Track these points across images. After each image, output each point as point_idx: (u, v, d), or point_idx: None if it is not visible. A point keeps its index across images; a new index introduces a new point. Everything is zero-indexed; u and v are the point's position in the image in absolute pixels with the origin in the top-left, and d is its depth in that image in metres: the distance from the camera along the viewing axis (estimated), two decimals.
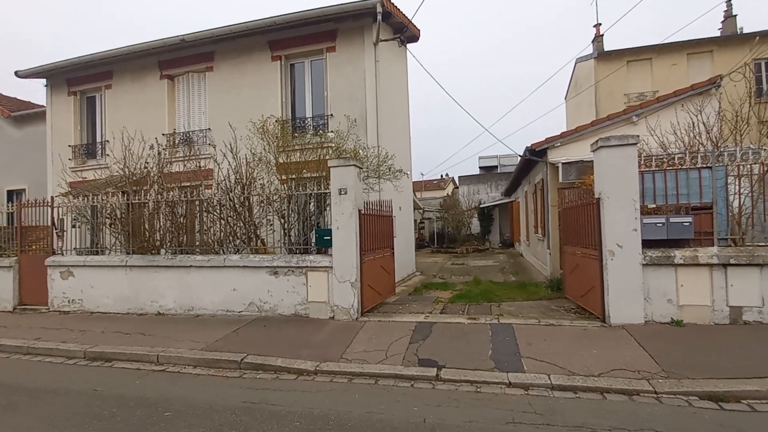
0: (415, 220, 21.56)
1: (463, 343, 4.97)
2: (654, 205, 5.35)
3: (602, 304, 5.39)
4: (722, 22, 18.16)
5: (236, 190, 7.26)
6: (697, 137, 5.76)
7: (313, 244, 6.88)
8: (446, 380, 4.13)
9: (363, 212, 6.51)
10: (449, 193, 34.25)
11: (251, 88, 9.79)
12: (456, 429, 3.17)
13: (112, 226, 8.14)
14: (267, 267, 6.74)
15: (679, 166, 5.30)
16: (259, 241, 7.37)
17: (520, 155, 10.98)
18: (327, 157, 7.15)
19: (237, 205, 7.25)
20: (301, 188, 6.96)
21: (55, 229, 8.43)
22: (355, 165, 6.30)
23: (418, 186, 35.25)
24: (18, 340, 6.24)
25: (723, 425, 3.14)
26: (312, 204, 7.25)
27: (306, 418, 3.44)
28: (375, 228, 7.00)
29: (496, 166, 30.56)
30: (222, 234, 7.42)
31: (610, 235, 5.23)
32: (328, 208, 6.95)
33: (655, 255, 5.19)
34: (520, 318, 5.86)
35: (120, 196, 8.18)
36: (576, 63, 19.68)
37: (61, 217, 8.54)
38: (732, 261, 5.03)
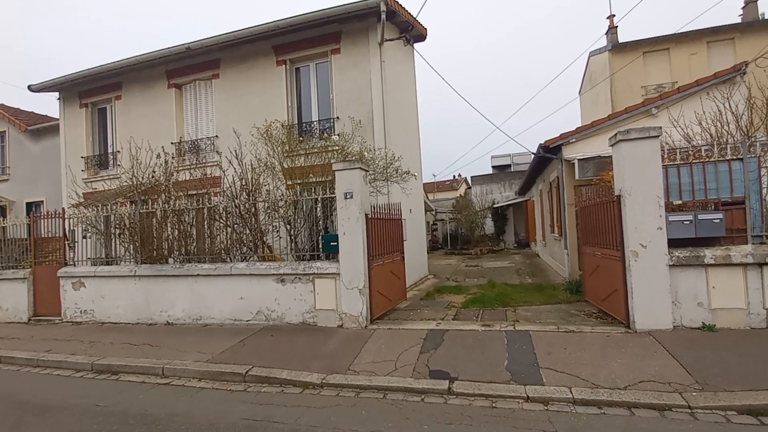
0: (427, 222, 21.26)
1: (477, 353, 4.70)
2: (680, 201, 4.99)
3: (626, 309, 5.04)
4: (743, 8, 17.41)
5: (242, 197, 7.16)
6: (725, 127, 5.37)
7: (320, 250, 6.71)
8: (459, 394, 3.88)
9: (370, 216, 6.31)
10: (462, 194, 33.83)
11: (257, 94, 9.73)
12: None
13: (121, 235, 8.14)
14: (274, 275, 6.59)
15: (707, 159, 4.93)
16: (265, 247, 7.24)
17: (533, 153, 10.62)
18: (333, 160, 6.99)
19: (243, 212, 7.14)
20: (307, 193, 6.81)
21: (67, 240, 8.49)
22: (360, 168, 6.11)
23: (431, 187, 34.92)
24: (29, 353, 6.25)
25: None
26: (318, 209, 7.10)
27: None
28: (383, 232, 6.79)
29: (510, 165, 29.98)
30: (229, 241, 7.32)
31: (632, 234, 4.89)
32: (334, 213, 6.77)
33: (683, 255, 4.82)
34: (537, 324, 5.55)
35: (129, 205, 8.19)
36: (589, 56, 19.12)
37: (72, 228, 8.60)
38: None
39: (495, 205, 24.08)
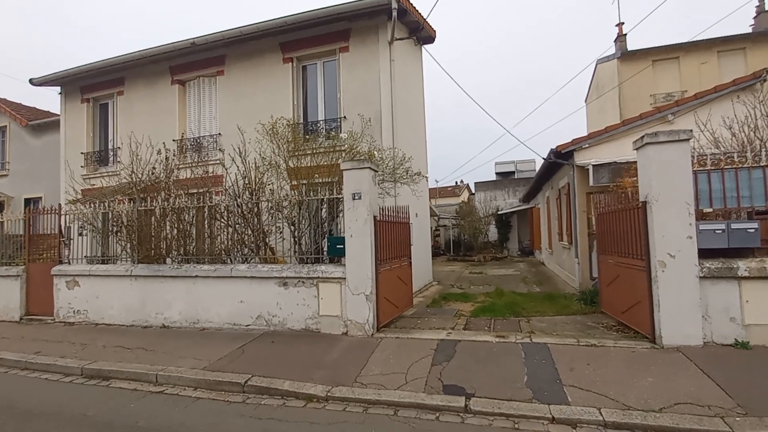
0: (430, 228, 20.93)
1: (493, 367, 4.39)
2: (710, 209, 4.71)
3: (651, 322, 4.73)
4: (754, 18, 17.27)
5: (244, 196, 6.88)
6: (756, 132, 5.09)
7: (324, 253, 6.41)
8: (477, 412, 3.56)
9: (378, 219, 6.02)
10: (464, 200, 33.55)
11: (262, 92, 9.49)
12: None
13: (118, 234, 7.85)
14: (276, 278, 6.29)
15: (740, 165, 4.65)
16: (268, 249, 6.95)
17: (544, 158, 10.36)
18: (340, 160, 6.72)
19: (245, 212, 6.85)
20: (312, 193, 6.53)
21: (62, 237, 8.20)
22: (370, 168, 5.83)
23: (433, 193, 34.59)
24: (18, 354, 5.93)
25: None
26: (324, 210, 6.81)
27: None
28: (391, 235, 6.50)
29: (513, 172, 29.72)
30: (230, 242, 7.03)
31: (660, 243, 4.60)
32: (340, 215, 6.49)
33: (715, 266, 4.53)
34: (555, 336, 5.23)
35: (127, 203, 7.91)
36: (597, 64, 18.97)
37: (68, 224, 8.32)
38: None
39: (499, 212, 23.78)
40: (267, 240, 6.92)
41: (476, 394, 3.78)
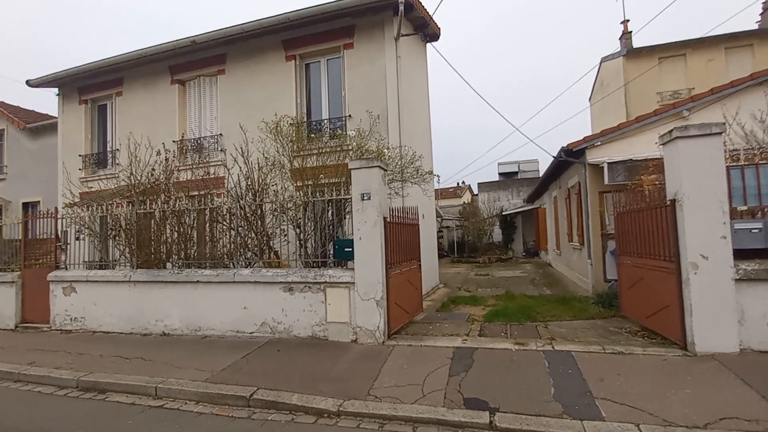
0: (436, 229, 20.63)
1: (516, 377, 4.10)
2: (745, 207, 4.43)
3: (682, 328, 4.45)
4: (761, 14, 17.04)
5: (247, 197, 6.61)
6: None
7: (331, 257, 6.14)
8: (503, 430, 3.27)
9: (388, 220, 5.74)
10: (467, 201, 33.27)
11: (264, 91, 9.23)
12: None
13: (117, 237, 7.57)
14: (281, 283, 6.01)
15: None
16: (272, 253, 6.68)
17: (553, 156, 10.08)
18: (346, 160, 6.46)
19: (248, 214, 6.58)
20: (318, 194, 6.25)
21: (59, 241, 7.93)
22: (379, 167, 5.56)
23: (435, 194, 34.34)
24: (10, 365, 5.65)
25: None
26: (330, 212, 6.54)
27: None
28: (401, 238, 6.22)
29: (517, 173, 29.43)
30: (232, 246, 6.75)
31: (691, 244, 4.31)
32: (348, 216, 6.22)
33: (751, 268, 4.24)
34: (578, 343, 4.94)
35: (125, 206, 7.64)
36: (601, 62, 18.71)
37: (64, 229, 8.05)
38: None
39: (503, 213, 23.49)
40: (271, 243, 6.64)
41: (501, 409, 3.49)
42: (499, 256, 20.71)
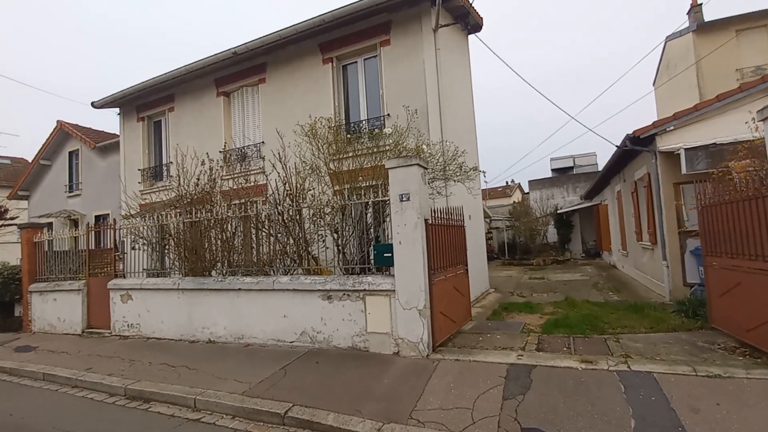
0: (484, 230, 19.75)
1: (585, 404, 3.47)
2: None
3: None
4: None
5: (285, 203, 6.48)
6: None
7: (371, 263, 5.80)
8: None
9: (430, 222, 5.30)
10: (516, 200, 31.68)
11: (303, 97, 9.18)
12: None
13: (167, 247, 7.82)
14: (319, 290, 5.78)
15: None
16: (311, 259, 6.48)
17: (616, 146, 9.03)
18: (384, 161, 6.12)
19: (286, 220, 6.45)
20: (356, 197, 5.95)
21: (117, 251, 8.37)
22: (418, 165, 5.14)
23: (483, 194, 33.09)
24: (70, 371, 5.95)
25: None
26: (369, 215, 6.22)
27: None
28: (445, 240, 5.74)
29: (572, 167, 27.40)
30: (271, 252, 6.66)
31: None
32: (387, 219, 5.85)
33: None
34: (660, 363, 4.16)
35: (174, 215, 7.87)
36: (666, 42, 16.87)
37: (122, 239, 8.49)
38: None
39: (559, 211, 21.93)
40: (309, 249, 6.45)
41: None
42: (555, 258, 19.29)
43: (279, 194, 6.61)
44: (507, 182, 44.61)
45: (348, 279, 5.64)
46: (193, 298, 7.04)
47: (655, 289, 8.97)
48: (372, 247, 5.77)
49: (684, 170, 6.80)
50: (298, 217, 6.44)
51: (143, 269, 8.31)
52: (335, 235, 6.21)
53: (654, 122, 7.96)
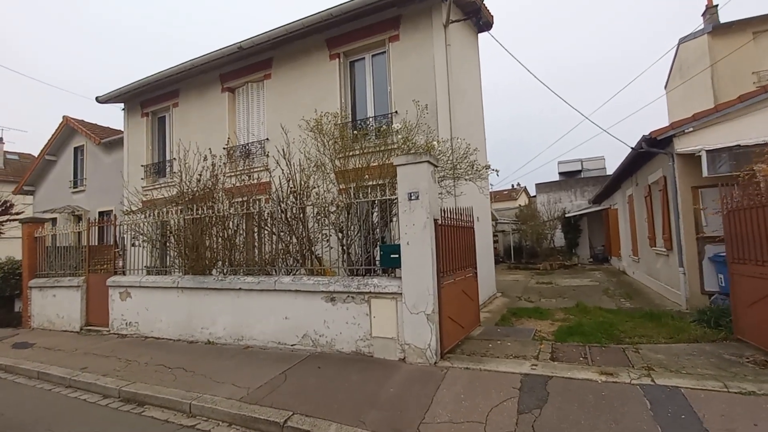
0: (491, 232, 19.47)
1: (608, 421, 3.20)
2: None
3: None
4: None
5: (289, 200, 6.26)
6: None
7: (377, 264, 5.57)
8: None
9: (439, 222, 5.05)
10: (522, 204, 31.32)
11: (309, 93, 8.98)
12: None
13: (167, 244, 7.64)
14: (323, 292, 5.55)
15: None
16: (314, 259, 6.26)
17: (632, 147, 8.73)
18: (391, 159, 5.89)
19: (289, 218, 6.23)
20: (362, 195, 5.72)
21: (117, 247, 8.20)
22: (428, 162, 4.90)
23: (489, 196, 32.73)
24: (65, 370, 5.76)
25: None
26: (375, 214, 5.99)
27: None
28: (454, 242, 5.50)
29: (580, 171, 27.02)
30: (274, 251, 6.44)
31: None
32: (394, 219, 5.62)
33: None
34: (686, 377, 3.88)
35: (175, 212, 7.69)
36: (679, 44, 16.53)
37: (122, 235, 8.32)
38: None
39: (567, 215, 21.57)
40: (313, 249, 6.23)
41: None
42: (562, 263, 18.94)
43: (282, 191, 6.40)
44: (513, 185, 44.23)
45: (353, 280, 5.41)
46: (193, 297, 6.84)
47: (670, 296, 8.65)
48: (378, 247, 5.53)
49: (705, 173, 6.51)
50: (301, 215, 6.22)
51: (143, 266, 8.13)
52: (340, 235, 5.98)
53: (672, 123, 7.67)
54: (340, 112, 8.36)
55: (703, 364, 4.22)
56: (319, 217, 6.15)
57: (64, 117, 16.63)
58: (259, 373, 4.90)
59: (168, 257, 7.77)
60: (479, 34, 10.26)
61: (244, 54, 9.58)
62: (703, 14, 15.71)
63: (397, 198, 5.15)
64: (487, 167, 6.44)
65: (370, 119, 8.35)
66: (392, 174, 5.72)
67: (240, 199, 7.03)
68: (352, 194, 5.75)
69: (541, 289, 11.63)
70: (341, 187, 6.55)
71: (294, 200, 6.22)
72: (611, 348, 5.00)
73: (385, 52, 8.36)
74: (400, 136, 5.96)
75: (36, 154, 20.79)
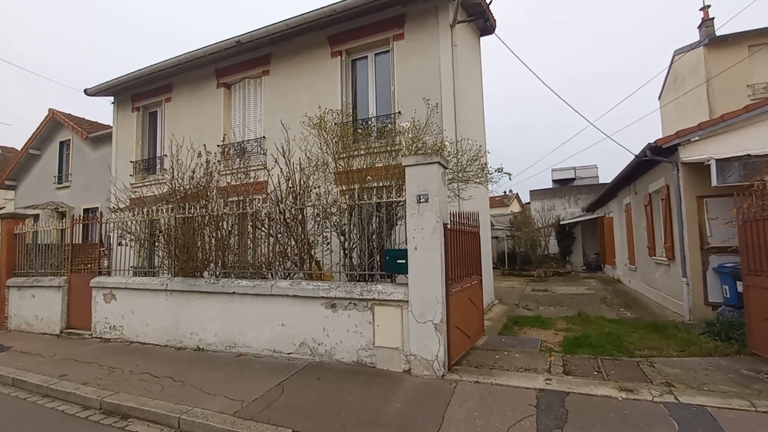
0: (490, 238, 19.32)
1: None
2: None
3: None
4: None
5: (288, 201, 5.97)
6: None
7: (381, 269, 5.30)
8: None
9: (449, 227, 4.82)
10: (518, 209, 31.38)
11: (309, 91, 8.71)
12: None
13: (156, 244, 7.26)
14: (322, 298, 5.26)
15: None
16: (313, 263, 5.97)
17: (636, 155, 8.63)
18: (396, 160, 5.66)
19: (288, 219, 5.94)
20: (366, 197, 5.47)
21: (102, 246, 7.79)
22: (439, 163, 4.66)
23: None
24: (42, 377, 5.35)
25: None
26: (379, 217, 5.73)
27: None
28: (462, 248, 5.27)
29: (573, 179, 27.17)
30: (271, 254, 6.13)
31: None
32: (399, 223, 5.38)
33: None
34: (709, 394, 3.69)
35: (166, 210, 7.32)
36: (674, 56, 16.73)
37: (108, 233, 7.90)
38: None
39: (561, 222, 21.59)
40: (313, 252, 5.94)
41: None
42: (557, 270, 18.89)
43: (281, 191, 6.10)
44: (505, 192, 44.42)
45: (355, 286, 5.13)
46: (183, 301, 6.48)
47: (670, 306, 8.55)
48: (383, 252, 5.27)
49: (714, 182, 6.41)
50: (300, 216, 5.93)
51: (130, 267, 7.72)
52: (342, 238, 5.70)
53: (677, 132, 7.59)
54: (342, 111, 8.11)
55: (722, 380, 4.04)
56: (319, 219, 5.87)
57: (50, 110, 16.05)
58: (254, 385, 4.58)
59: (157, 258, 7.39)
60: (484, 38, 10.14)
61: (242, 49, 9.28)
62: (699, 27, 15.87)
63: (403, 200, 4.90)
64: (500, 170, 6.23)
65: (372, 119, 8.11)
66: (398, 175, 5.49)
67: (235, 199, 6.71)
68: (356, 195, 5.48)
69: (537, 297, 11.48)
70: (343, 188, 6.29)
71: (293, 201, 5.92)
72: (624, 361, 4.80)
73: (388, 51, 8.15)
74: (409, 135, 5.72)
75: (20, 148, 20.07)
